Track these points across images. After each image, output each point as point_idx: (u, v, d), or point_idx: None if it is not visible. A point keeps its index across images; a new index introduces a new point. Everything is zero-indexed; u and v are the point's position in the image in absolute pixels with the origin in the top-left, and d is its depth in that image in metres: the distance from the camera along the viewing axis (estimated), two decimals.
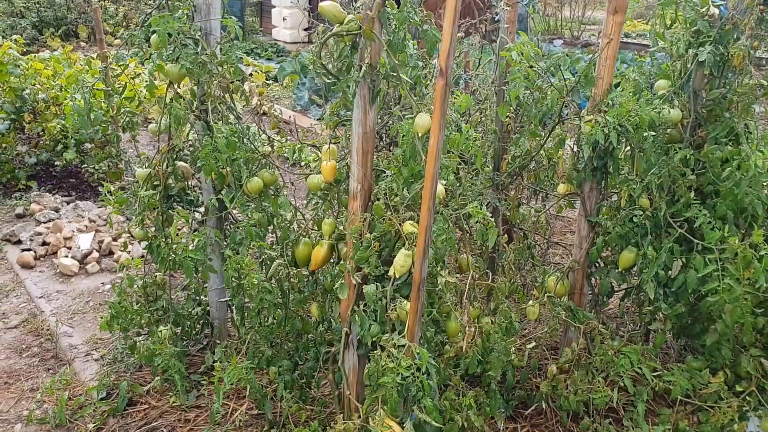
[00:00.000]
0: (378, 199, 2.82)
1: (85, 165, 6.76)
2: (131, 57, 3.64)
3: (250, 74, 11.50)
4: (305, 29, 17.55)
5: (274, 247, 3.29)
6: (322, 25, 2.75)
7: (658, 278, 3.31)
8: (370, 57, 2.62)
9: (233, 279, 3.11)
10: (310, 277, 3.32)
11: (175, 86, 3.46)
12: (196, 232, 3.17)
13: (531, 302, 3.49)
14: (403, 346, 2.43)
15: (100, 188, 6.81)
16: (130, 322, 3.71)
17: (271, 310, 3.15)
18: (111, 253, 5.53)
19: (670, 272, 3.31)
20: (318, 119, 9.88)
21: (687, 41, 3.38)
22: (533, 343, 3.44)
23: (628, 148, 3.60)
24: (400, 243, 2.72)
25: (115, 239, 5.66)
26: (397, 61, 2.60)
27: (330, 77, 2.76)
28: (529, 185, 3.98)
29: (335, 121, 3.05)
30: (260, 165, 3.29)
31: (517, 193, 4.04)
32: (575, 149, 3.59)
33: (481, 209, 2.61)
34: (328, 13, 2.60)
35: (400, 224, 2.67)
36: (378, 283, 2.68)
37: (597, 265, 3.64)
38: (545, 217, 4.05)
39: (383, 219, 2.75)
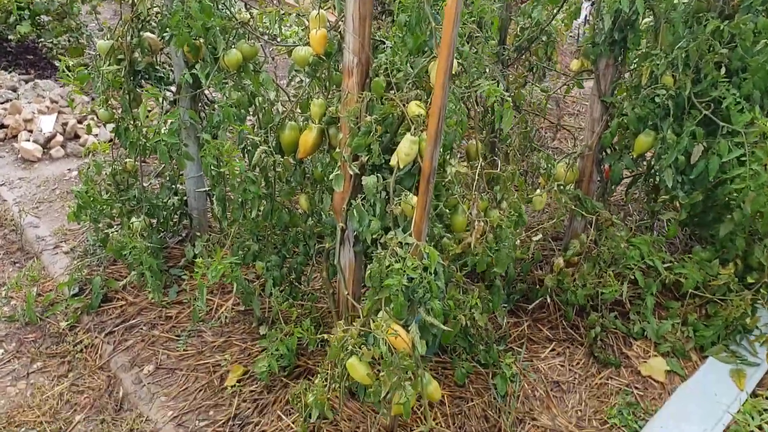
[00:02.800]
0: (377, 75, 2.46)
1: (42, 39, 6.16)
2: None
3: None
4: None
5: (256, 131, 2.93)
6: None
7: (677, 164, 3.04)
8: None
9: (212, 167, 2.78)
10: (298, 166, 3.00)
11: None
12: (169, 113, 2.79)
13: (538, 191, 3.21)
14: (410, 244, 2.16)
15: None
16: (99, 212, 3.39)
17: (256, 203, 2.84)
18: (76, 136, 5.11)
19: (689, 157, 3.05)
20: None
21: None
22: (539, 235, 3.19)
23: (649, 18, 3.23)
24: (403, 127, 2.38)
25: (80, 121, 5.23)
26: None
27: None
28: (536, 62, 3.60)
29: None
30: (238, 35, 2.87)
31: (523, 70, 3.67)
32: (589, 20, 3.21)
33: (498, 87, 2.26)
34: None
35: (404, 105, 2.32)
36: (378, 174, 2.37)
37: (609, 150, 3.35)
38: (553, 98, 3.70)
39: (384, 99, 2.40)
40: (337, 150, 2.44)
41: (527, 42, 3.43)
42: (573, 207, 3.27)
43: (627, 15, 2.87)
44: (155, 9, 3.14)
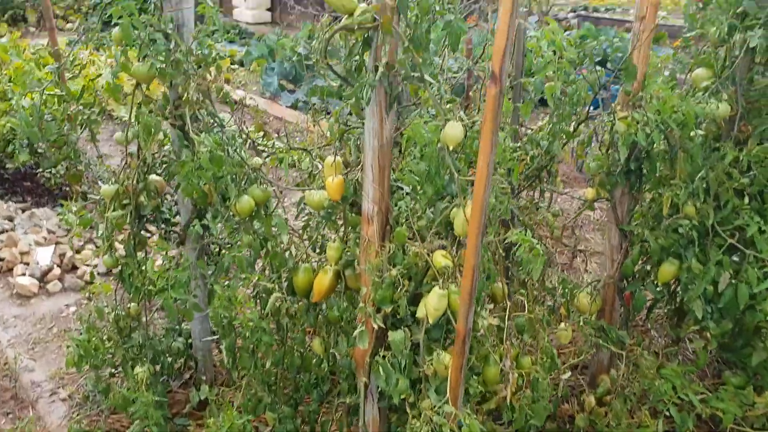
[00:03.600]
0: (398, 223, 2.37)
1: (41, 169, 6.13)
2: (84, 44, 3.11)
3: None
4: (268, 9, 16.85)
5: (267, 275, 2.82)
6: (326, 15, 2.27)
7: (705, 294, 2.94)
8: (387, 55, 2.16)
9: (223, 317, 2.64)
10: (312, 309, 2.87)
11: (143, 87, 2.94)
12: (179, 269, 2.67)
13: (563, 325, 3.08)
14: (446, 411, 2.00)
15: (58, 192, 6.24)
16: (101, 361, 3.21)
17: (270, 352, 2.69)
18: (74, 268, 4.98)
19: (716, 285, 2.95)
20: (289, 106, 9.32)
21: (730, 25, 2.97)
22: (568, 373, 3.04)
23: (662, 146, 3.21)
24: (428, 277, 2.28)
25: (77, 252, 5.10)
26: (420, 59, 2.14)
27: (337, 79, 2.29)
28: (547, 188, 3.55)
29: (341, 129, 2.57)
30: (249, 180, 2.80)
31: (533, 197, 3.61)
32: (600, 148, 3.19)
33: (526, 235, 2.17)
34: (336, 2, 2.12)
35: (428, 255, 2.23)
36: (405, 327, 2.24)
37: (631, 278, 3.25)
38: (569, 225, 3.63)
39: (406, 248, 2.30)
40: (361, 305, 2.31)
41: (536, 170, 3.39)
42: (598, 339, 3.13)
43: (645, 146, 2.84)
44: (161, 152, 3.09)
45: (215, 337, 3.31)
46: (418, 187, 2.28)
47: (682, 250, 2.99)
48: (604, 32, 9.82)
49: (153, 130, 2.75)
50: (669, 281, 3.09)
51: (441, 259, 2.17)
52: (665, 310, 3.55)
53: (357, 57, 2.22)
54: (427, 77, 2.17)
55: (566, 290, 3.23)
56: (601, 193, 3.16)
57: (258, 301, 2.76)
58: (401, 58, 2.14)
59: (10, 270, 4.93)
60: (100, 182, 6.06)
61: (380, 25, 2.08)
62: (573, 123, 3.17)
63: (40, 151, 6.27)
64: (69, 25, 16.55)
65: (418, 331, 2.27)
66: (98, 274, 4.89)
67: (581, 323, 3.03)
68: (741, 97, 2.97)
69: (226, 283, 2.89)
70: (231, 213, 2.78)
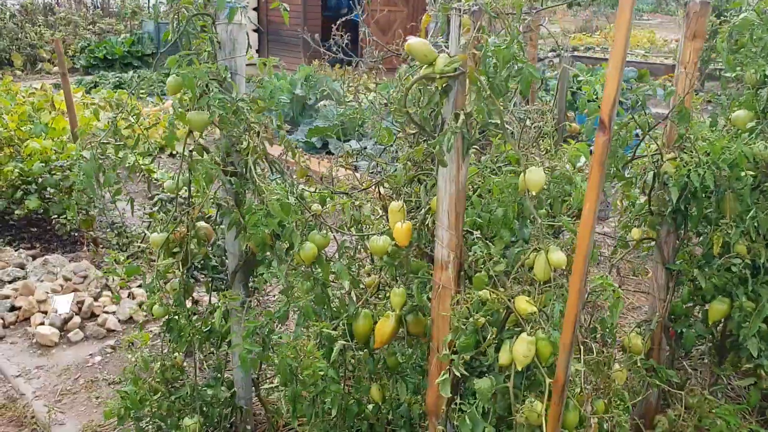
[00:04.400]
0: (473, 269, 2.37)
1: (53, 215, 6.03)
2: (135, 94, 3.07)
3: None
4: (256, 50, 16.97)
5: (329, 322, 2.78)
6: (404, 65, 2.30)
7: (759, 332, 2.96)
8: (463, 103, 2.18)
9: (288, 370, 2.60)
10: (371, 356, 2.84)
11: (196, 136, 2.93)
12: (248, 324, 2.62)
13: (617, 366, 3.07)
14: None
15: (67, 238, 6.15)
16: (149, 414, 3.13)
17: (335, 401, 2.64)
18: (93, 315, 4.88)
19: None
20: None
21: None
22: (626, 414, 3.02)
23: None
24: (509, 322, 2.27)
25: (96, 299, 5.01)
26: (501, 107, 2.16)
27: (415, 127, 2.30)
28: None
29: (410, 175, 2.58)
30: (310, 226, 2.78)
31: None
32: (643, 189, 3.23)
33: (607, 278, 2.19)
34: (418, 53, 2.14)
35: (509, 300, 2.22)
36: (491, 376, 2.22)
37: (680, 317, 3.27)
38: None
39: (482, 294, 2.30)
40: (444, 353, 2.29)
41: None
42: (649, 379, 3.13)
43: (698, 187, 2.89)
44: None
45: (274, 385, 3.25)
46: (497, 234, 2.29)
47: (733, 289, 3.02)
48: (598, 72, 10.06)
49: (212, 178, 2.72)
50: (719, 320, 3.11)
51: (526, 305, 2.16)
52: (707, 349, 3.57)
53: (435, 105, 2.23)
54: (506, 125, 2.19)
55: (609, 330, 3.23)
56: (649, 233, 3.19)
57: (320, 348, 2.72)
58: (480, 106, 2.16)
59: (27, 319, 4.83)
60: (110, 228, 6.01)
61: (463, 74, 2.11)
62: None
63: (48, 197, 6.21)
64: (55, 69, 16.50)
65: (497, 378, 2.25)
66: (119, 321, 4.80)
67: (637, 364, 3.03)
68: None
69: (277, 330, 2.86)
70: (290, 259, 2.76)
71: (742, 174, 2.89)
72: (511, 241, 2.43)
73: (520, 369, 2.13)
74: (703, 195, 3.09)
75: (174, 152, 7.77)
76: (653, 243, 3.32)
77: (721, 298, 3.07)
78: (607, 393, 2.61)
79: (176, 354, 3.25)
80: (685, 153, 2.98)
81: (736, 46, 3.27)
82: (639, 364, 3.03)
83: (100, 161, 2.72)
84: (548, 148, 3.09)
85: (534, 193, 2.17)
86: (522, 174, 2.18)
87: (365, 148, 7.85)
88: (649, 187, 3.23)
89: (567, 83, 3.22)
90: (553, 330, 2.13)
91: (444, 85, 2.17)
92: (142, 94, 12.26)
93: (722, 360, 3.55)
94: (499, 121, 2.18)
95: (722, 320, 3.25)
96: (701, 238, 3.31)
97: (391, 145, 3.50)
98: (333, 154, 8.86)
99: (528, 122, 3.04)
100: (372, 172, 4.50)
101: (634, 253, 3.58)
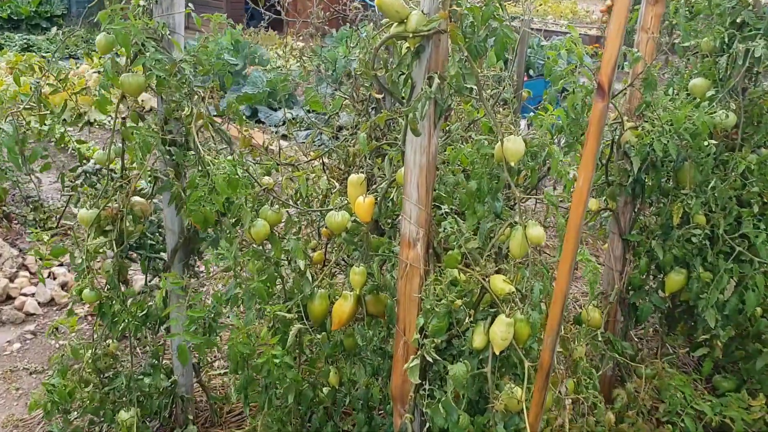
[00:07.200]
0: (442, 246, 2.22)
1: None
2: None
3: None
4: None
5: (282, 303, 2.58)
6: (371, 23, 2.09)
7: (716, 303, 2.95)
8: (438, 65, 2.00)
9: (239, 357, 2.39)
10: (328, 338, 2.67)
11: (129, 101, 2.64)
12: (193, 311, 2.37)
13: (577, 341, 3.01)
14: None
15: None
16: (79, 407, 2.86)
17: (292, 388, 2.46)
18: (9, 298, 4.48)
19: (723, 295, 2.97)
20: (215, 115, 8.90)
21: (729, 34, 2.99)
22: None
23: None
24: (483, 303, 2.13)
25: (11, 280, 4.60)
26: (478, 70, 1.99)
27: (383, 90, 2.11)
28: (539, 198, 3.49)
29: (372, 144, 2.38)
30: (260, 201, 2.56)
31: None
32: (601, 159, 3.15)
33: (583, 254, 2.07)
34: (389, 9, 1.94)
35: (484, 280, 2.08)
36: (464, 360, 2.08)
37: (636, 289, 3.23)
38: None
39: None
40: (414, 337, 2.13)
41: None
42: (613, 353, 3.10)
43: (660, 157, 2.82)
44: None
45: (219, 372, 3.02)
46: (469, 208, 2.13)
47: (692, 260, 2.99)
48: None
49: (149, 148, 2.45)
50: (676, 291, 3.08)
51: (502, 284, 2.03)
52: (658, 319, 3.56)
53: (405, 68, 2.04)
54: (482, 91, 2.03)
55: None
56: (610, 204, 3.12)
57: (273, 332, 2.52)
58: (456, 70, 1.98)
59: None
60: (25, 202, 5.55)
61: (438, 34, 1.93)
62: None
63: None
64: None
65: (471, 362, 2.12)
66: (39, 304, 4.43)
67: (598, 337, 2.97)
68: (742, 106, 3.01)
69: (228, 313, 2.63)
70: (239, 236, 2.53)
71: (705, 143, 2.84)
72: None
73: (497, 352, 1.99)
74: (661, 165, 3.05)
75: (93, 121, 7.26)
76: (607, 213, 3.27)
77: (679, 269, 3.04)
78: (575, 371, 2.53)
79: (109, 341, 2.98)
80: (647, 122, 2.91)
81: (693, 13, 3.21)
82: (600, 338, 2.97)
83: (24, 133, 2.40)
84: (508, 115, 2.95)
85: (513, 164, 2.02)
86: (499, 143, 2.02)
87: (297, 116, 7.53)
88: (605, 156, 3.16)
89: (525, 48, 3.06)
90: (532, 311, 2.00)
91: (417, 45, 1.98)
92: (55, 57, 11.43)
93: (671, 330, 3.56)
94: (475, 86, 2.01)
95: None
96: (652, 209, 3.27)
97: (335, 114, 3.30)
98: (263, 123, 8.51)
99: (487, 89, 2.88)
100: (314, 143, 4.27)
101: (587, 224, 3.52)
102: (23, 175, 5.29)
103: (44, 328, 4.18)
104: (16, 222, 5.46)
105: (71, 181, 2.96)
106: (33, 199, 5.46)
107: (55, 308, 4.42)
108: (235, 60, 9.67)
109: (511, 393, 1.97)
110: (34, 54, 10.49)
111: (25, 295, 4.51)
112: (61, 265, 4.77)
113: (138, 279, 3.96)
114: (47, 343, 4.03)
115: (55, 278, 4.72)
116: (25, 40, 13.41)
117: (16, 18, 15.34)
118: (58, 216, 5.12)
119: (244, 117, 2.95)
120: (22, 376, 3.78)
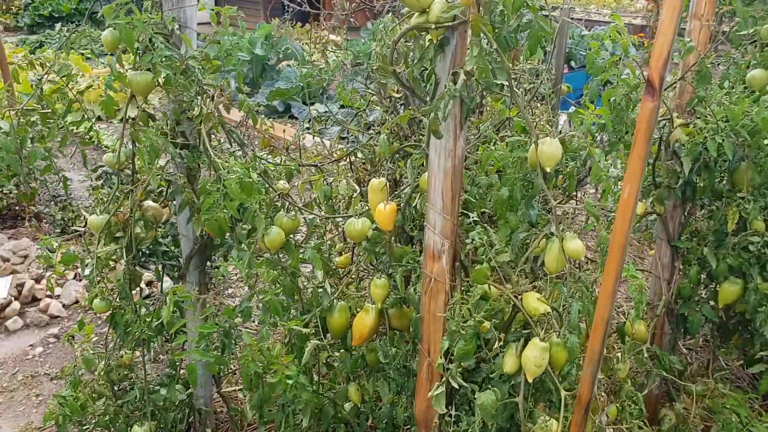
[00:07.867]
0: (470, 259, 2.01)
1: None
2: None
3: None
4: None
5: (299, 316, 2.41)
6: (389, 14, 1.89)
7: None
8: (463, 59, 1.79)
9: (252, 375, 2.22)
10: (349, 353, 2.49)
11: (138, 101, 2.49)
12: (203, 328, 2.22)
13: (619, 357, 2.77)
14: None
15: (6, 213, 5.60)
16: (97, 421, 2.74)
17: (308, 410, 2.28)
18: (35, 299, 4.42)
19: None
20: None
21: None
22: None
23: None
24: (515, 324, 1.92)
25: (38, 281, 4.54)
26: (508, 64, 1.77)
27: (404, 88, 1.91)
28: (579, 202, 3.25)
29: (393, 146, 2.19)
30: (275, 207, 2.38)
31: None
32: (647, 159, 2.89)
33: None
34: None
35: (516, 298, 1.87)
36: (492, 386, 1.87)
37: (686, 300, 2.97)
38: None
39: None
40: (438, 362, 1.93)
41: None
42: (651, 367, 2.85)
43: (714, 157, 2.56)
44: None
45: (237, 388, 2.87)
46: (501, 218, 1.92)
47: (749, 269, 2.73)
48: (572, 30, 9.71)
49: (159, 151, 2.29)
50: (731, 302, 2.82)
51: (537, 303, 1.82)
52: (710, 332, 3.29)
53: (428, 62, 1.83)
54: (514, 88, 1.81)
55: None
56: (657, 207, 2.86)
57: (290, 349, 2.35)
58: (483, 63, 1.77)
59: None
60: (54, 202, 5.49)
61: (464, 24, 1.72)
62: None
63: None
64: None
65: (500, 388, 1.92)
66: (64, 306, 4.35)
67: (643, 353, 2.73)
68: None
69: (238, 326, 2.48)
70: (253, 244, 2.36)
71: (765, 142, 2.57)
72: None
73: (530, 379, 1.78)
74: (715, 165, 2.78)
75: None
76: (653, 217, 3.02)
77: (734, 279, 2.78)
78: (618, 394, 2.30)
79: (122, 352, 2.84)
80: (699, 119, 2.65)
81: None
82: (645, 354, 2.73)
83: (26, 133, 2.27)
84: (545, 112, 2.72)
85: (548, 169, 1.80)
86: (533, 146, 1.81)
87: (329, 112, 7.37)
88: (652, 156, 2.90)
89: (565, 39, 2.82)
90: (570, 334, 1.79)
91: (440, 37, 1.78)
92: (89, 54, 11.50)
93: (724, 342, 3.29)
94: (506, 82, 1.80)
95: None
96: (703, 212, 3.00)
97: (364, 110, 3.12)
98: (297, 118, 8.38)
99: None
100: (343, 138, 4.10)
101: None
102: (52, 174, 5.23)
103: (67, 331, 4.09)
104: (45, 222, 5.41)
105: (93, 182, 2.84)
106: (61, 199, 5.40)
107: (79, 311, 4.33)
108: (263, 52, 9.56)
109: (546, 426, 1.76)
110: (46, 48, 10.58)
111: (50, 297, 4.44)
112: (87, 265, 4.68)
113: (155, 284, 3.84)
114: (69, 347, 3.93)
115: (80, 280, 4.65)
116: (66, 38, 13.53)
117: (57, 15, 15.53)
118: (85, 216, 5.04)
119: (265, 113, 2.78)
120: (42, 381, 3.70)
